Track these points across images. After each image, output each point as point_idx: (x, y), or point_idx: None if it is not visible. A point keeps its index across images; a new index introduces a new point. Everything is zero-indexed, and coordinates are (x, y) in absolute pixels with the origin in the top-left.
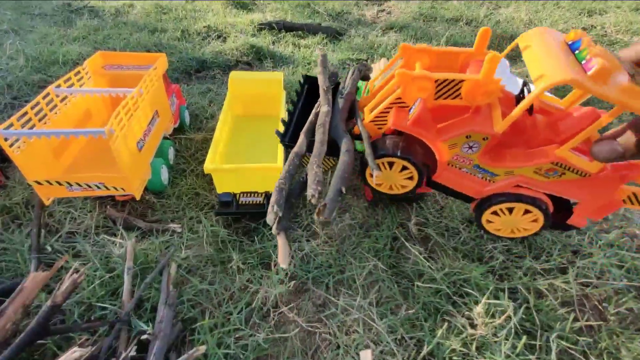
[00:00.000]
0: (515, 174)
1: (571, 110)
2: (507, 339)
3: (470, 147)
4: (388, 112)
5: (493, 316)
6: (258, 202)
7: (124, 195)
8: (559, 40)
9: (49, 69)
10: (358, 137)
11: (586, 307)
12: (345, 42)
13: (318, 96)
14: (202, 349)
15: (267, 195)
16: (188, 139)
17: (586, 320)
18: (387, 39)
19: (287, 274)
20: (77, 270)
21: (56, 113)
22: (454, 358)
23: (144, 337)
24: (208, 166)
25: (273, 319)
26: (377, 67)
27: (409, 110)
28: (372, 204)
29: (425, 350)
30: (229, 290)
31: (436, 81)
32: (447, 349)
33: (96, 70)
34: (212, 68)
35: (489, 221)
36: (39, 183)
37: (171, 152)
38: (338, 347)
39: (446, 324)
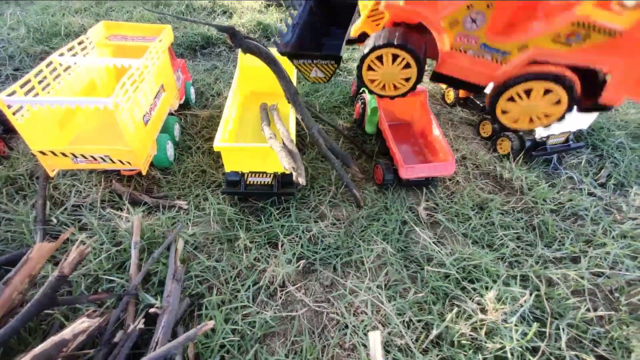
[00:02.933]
0: (530, 47)
1: None
2: (517, 326)
3: (474, 21)
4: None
5: (504, 302)
6: (266, 182)
7: (130, 170)
8: None
9: (51, 41)
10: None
11: (597, 296)
12: None
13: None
14: (211, 324)
15: (276, 176)
16: (194, 115)
17: (597, 310)
18: None
19: (294, 254)
20: (83, 242)
21: (59, 83)
22: (463, 342)
23: (152, 310)
24: (218, 144)
25: (280, 297)
26: None
27: None
28: (382, 187)
29: (433, 333)
30: (236, 268)
31: None
32: (456, 333)
33: (100, 41)
34: (217, 45)
35: (504, 111)
36: (43, 153)
37: (177, 129)
38: (346, 327)
39: (455, 308)
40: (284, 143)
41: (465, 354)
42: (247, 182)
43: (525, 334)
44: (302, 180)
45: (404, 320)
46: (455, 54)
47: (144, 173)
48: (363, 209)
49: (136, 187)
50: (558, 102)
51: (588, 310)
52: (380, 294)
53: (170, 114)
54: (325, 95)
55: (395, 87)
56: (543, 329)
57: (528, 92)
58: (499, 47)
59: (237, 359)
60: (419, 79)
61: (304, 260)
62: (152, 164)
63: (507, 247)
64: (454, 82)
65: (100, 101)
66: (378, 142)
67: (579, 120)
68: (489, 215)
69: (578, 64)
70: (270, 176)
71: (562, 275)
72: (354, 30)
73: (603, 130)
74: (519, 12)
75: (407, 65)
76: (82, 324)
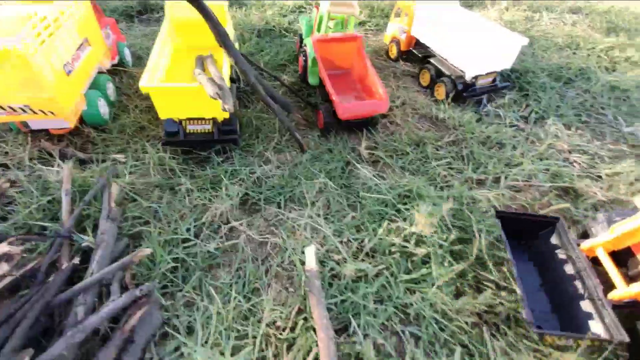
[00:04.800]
0: None
1: None
2: (439, 233)
3: None
4: None
5: (432, 216)
6: (206, 130)
7: (60, 129)
8: None
9: None
10: None
11: (513, 208)
12: None
13: None
14: (147, 251)
15: (216, 123)
16: (131, 76)
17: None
18: None
19: (237, 194)
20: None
21: None
22: (393, 250)
23: (84, 244)
24: (144, 84)
25: (225, 233)
26: None
27: None
28: (325, 132)
29: (367, 246)
30: (179, 211)
31: None
32: (388, 245)
33: None
34: (156, 10)
35: None
36: None
37: (110, 88)
38: (286, 250)
39: (389, 224)
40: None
41: (395, 258)
42: (187, 131)
43: (447, 239)
44: (228, 107)
45: (341, 240)
46: None
47: (72, 126)
48: (307, 152)
49: (69, 145)
50: None
51: None
52: (319, 220)
53: (102, 72)
54: (270, 54)
55: None
56: (466, 236)
57: None
58: None
59: (177, 285)
60: None
61: (248, 198)
62: (85, 123)
63: (438, 174)
64: None
65: (8, 41)
66: (320, 92)
67: (503, 61)
68: (424, 149)
69: None
70: (209, 122)
71: (482, 194)
72: (621, 295)
73: (529, 73)
74: None
75: None
76: (2, 248)
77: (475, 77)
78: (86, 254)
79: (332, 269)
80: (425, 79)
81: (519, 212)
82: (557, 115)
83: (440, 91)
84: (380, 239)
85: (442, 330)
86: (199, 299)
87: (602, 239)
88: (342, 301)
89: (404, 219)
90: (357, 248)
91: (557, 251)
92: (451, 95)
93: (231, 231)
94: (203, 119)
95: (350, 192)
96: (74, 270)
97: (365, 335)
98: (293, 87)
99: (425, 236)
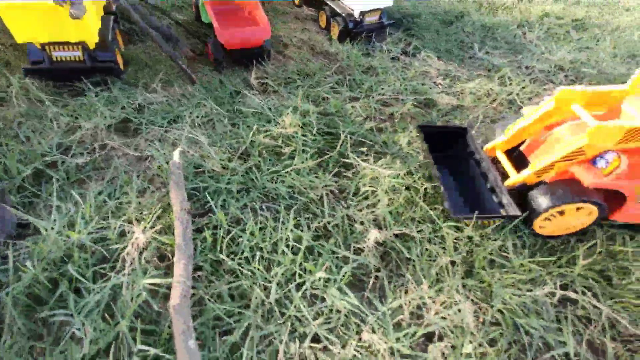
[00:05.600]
0: None
1: None
2: (312, 136)
3: None
4: (555, 163)
5: (301, 124)
6: (76, 57)
7: None
8: None
9: None
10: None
11: (381, 116)
12: None
13: None
14: None
15: (85, 49)
16: None
17: (376, 123)
18: None
19: (114, 117)
20: None
21: None
22: (263, 150)
23: None
24: None
25: (97, 149)
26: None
27: (591, 162)
28: (217, 66)
29: (241, 148)
30: (44, 134)
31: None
32: (259, 145)
33: None
34: None
35: None
36: None
37: None
38: (159, 158)
39: (256, 127)
40: None
41: (266, 157)
42: (53, 59)
43: (315, 139)
44: (75, 12)
45: (215, 146)
46: (636, 205)
47: None
48: (197, 84)
49: None
50: None
51: (371, 127)
52: (196, 133)
53: None
54: None
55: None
56: (334, 141)
57: None
58: None
59: (39, 196)
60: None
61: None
62: None
63: (321, 97)
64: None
65: None
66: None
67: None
68: (313, 78)
69: None
70: (78, 49)
71: (352, 107)
72: (514, 181)
73: (419, 15)
74: None
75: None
76: None
77: (363, 15)
78: None
79: (200, 166)
80: (322, 20)
81: (437, 125)
82: (432, 49)
83: (335, 30)
84: (252, 141)
85: (294, 202)
86: (64, 204)
87: (499, 140)
88: (206, 188)
89: (276, 124)
90: (232, 154)
91: (467, 155)
92: (337, 31)
93: (105, 149)
94: (69, 43)
95: (236, 116)
96: None
97: (226, 214)
98: (187, 25)
99: (294, 136)
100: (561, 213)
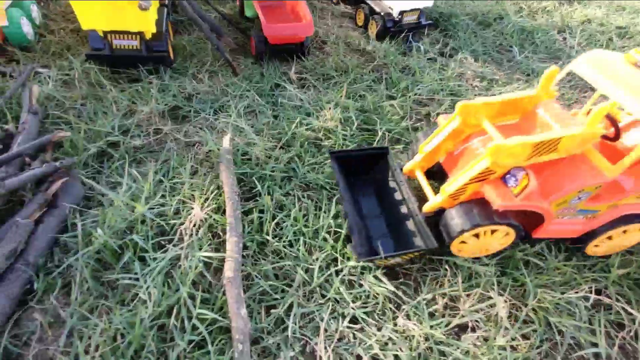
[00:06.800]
0: (619, 205)
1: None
2: (344, 129)
3: (579, 198)
4: (467, 185)
5: (341, 120)
6: (134, 46)
7: None
8: (622, 63)
9: None
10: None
11: (417, 115)
12: None
13: None
14: (66, 133)
15: (142, 38)
16: (57, 2)
17: (412, 122)
18: None
19: (166, 104)
20: None
21: None
22: (305, 142)
23: (5, 127)
24: None
25: (152, 133)
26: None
27: (502, 179)
28: (258, 59)
29: (283, 139)
30: (103, 114)
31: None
32: (301, 137)
33: None
34: None
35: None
36: None
37: (35, 11)
38: (208, 143)
39: (299, 119)
40: None
41: (307, 148)
42: (113, 47)
43: (353, 135)
44: (144, 3)
45: (260, 135)
46: (554, 221)
47: None
48: (239, 76)
49: None
50: None
51: (407, 126)
52: (242, 122)
53: None
54: None
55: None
56: (371, 137)
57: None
58: (591, 209)
59: (101, 172)
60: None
61: (176, 106)
62: (8, 42)
63: (357, 94)
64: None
65: None
66: (256, 23)
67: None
68: (349, 75)
69: None
70: (136, 38)
71: (392, 104)
72: (430, 207)
73: (455, 17)
74: (616, 184)
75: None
76: None
77: (402, 14)
78: (7, 148)
79: (246, 153)
80: (360, 17)
81: (350, 149)
82: (469, 51)
83: (373, 28)
84: (294, 133)
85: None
86: (124, 180)
87: (416, 160)
88: (252, 174)
89: (317, 118)
90: (274, 144)
91: (389, 178)
92: (376, 29)
93: (159, 133)
94: (129, 32)
95: (277, 108)
96: None
97: (271, 199)
98: (230, 18)
99: (334, 130)
100: (476, 236)
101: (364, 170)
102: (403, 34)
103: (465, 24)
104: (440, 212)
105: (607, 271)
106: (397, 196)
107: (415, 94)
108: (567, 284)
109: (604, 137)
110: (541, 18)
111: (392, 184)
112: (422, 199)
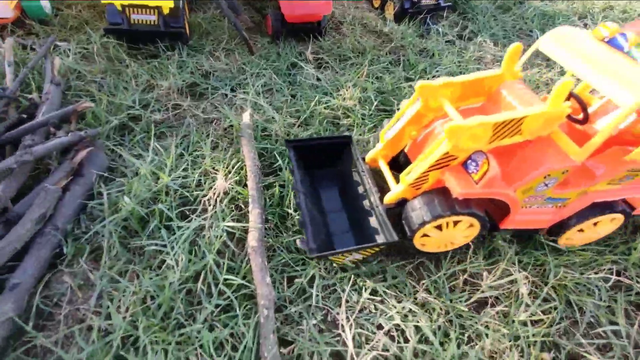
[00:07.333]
0: (589, 192)
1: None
2: (364, 109)
3: (546, 185)
4: (428, 173)
5: (359, 99)
6: (152, 21)
7: (1, 18)
8: (590, 39)
9: None
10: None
11: None
12: None
13: None
14: (90, 103)
15: (161, 14)
16: None
17: None
18: None
19: (184, 80)
20: None
21: None
22: (323, 120)
23: (30, 96)
24: None
25: (171, 108)
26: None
27: (464, 165)
28: (274, 38)
29: (302, 117)
30: (123, 88)
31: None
32: (319, 115)
33: None
34: None
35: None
36: None
37: None
38: (229, 119)
39: (317, 97)
40: None
41: (326, 127)
42: (131, 22)
43: (371, 115)
44: None
45: (278, 112)
46: (522, 211)
47: (11, 15)
48: (256, 54)
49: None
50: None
51: None
52: (261, 100)
53: None
54: None
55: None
56: (389, 117)
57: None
58: (560, 197)
59: (123, 144)
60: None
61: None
62: (26, 15)
63: (374, 75)
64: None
65: None
66: (272, 3)
67: None
68: (366, 56)
69: (626, 196)
70: (154, 12)
71: (410, 85)
72: (391, 198)
73: (474, 1)
74: (585, 169)
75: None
76: None
77: None
78: (32, 117)
79: (265, 129)
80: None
81: (310, 138)
82: (488, 34)
83: (390, 9)
84: (313, 111)
85: None
86: (146, 153)
87: (378, 148)
88: (272, 149)
89: (334, 97)
90: (293, 122)
91: (353, 170)
92: (394, 11)
93: (177, 108)
94: (147, 7)
95: (293, 86)
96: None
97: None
98: None
99: (353, 109)
100: (439, 228)
101: (329, 162)
102: (421, 16)
103: (485, 7)
104: (403, 203)
105: (627, 253)
106: (361, 189)
107: (434, 77)
108: (588, 264)
109: (573, 119)
110: (562, 4)
111: (356, 176)
112: (385, 190)
